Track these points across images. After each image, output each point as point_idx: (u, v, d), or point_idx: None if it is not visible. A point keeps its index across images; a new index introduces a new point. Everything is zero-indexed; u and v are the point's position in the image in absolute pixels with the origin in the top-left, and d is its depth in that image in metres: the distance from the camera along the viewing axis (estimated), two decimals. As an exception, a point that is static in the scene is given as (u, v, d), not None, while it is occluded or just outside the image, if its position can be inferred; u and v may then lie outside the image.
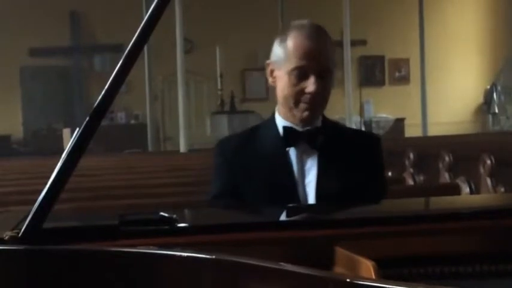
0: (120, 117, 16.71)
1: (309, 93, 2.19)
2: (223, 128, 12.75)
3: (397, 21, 16.84)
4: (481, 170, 5.75)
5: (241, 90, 16.53)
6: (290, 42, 2.21)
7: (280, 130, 2.29)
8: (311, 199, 2.24)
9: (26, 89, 16.43)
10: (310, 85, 2.18)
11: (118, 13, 15.43)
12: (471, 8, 17.87)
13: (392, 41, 17.03)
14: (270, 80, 2.30)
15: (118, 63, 1.63)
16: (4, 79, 15.81)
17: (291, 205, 1.95)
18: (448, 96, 17.16)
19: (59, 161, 1.59)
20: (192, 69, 14.53)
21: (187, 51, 13.14)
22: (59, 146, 13.67)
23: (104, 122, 1.65)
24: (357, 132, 2.44)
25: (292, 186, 2.24)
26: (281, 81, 2.25)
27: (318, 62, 2.18)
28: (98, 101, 1.61)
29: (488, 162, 5.67)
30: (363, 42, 16.26)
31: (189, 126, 13.00)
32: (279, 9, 15.22)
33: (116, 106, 15.32)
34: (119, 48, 14.09)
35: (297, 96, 2.21)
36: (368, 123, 15.77)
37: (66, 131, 14.43)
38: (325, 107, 2.28)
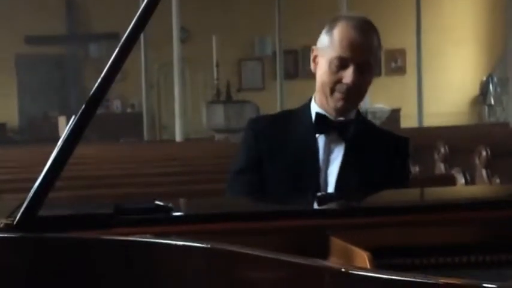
0: (116, 105, 16.71)
1: (346, 83, 2.21)
2: (219, 117, 12.73)
3: (393, 12, 16.83)
4: (477, 161, 5.76)
5: (238, 79, 16.52)
6: (336, 32, 2.23)
7: (314, 117, 2.30)
8: (331, 189, 2.26)
9: (22, 76, 16.41)
10: (347, 76, 2.20)
11: (114, 1, 15.40)
12: (468, -1, 17.87)
13: (388, 31, 16.96)
14: (312, 65, 2.32)
15: (114, 51, 1.63)
16: (0, 67, 15.78)
17: (294, 194, 1.97)
18: (444, 87, 17.17)
19: (54, 149, 1.58)
20: (188, 58, 14.52)
21: (183, 40, 13.13)
22: (54, 134, 13.68)
23: (100, 111, 1.64)
24: (387, 132, 2.46)
25: (315, 173, 2.26)
26: (321, 68, 2.27)
27: (359, 54, 2.20)
28: (93, 89, 1.60)
29: (484, 153, 5.67)
30: (360, 33, 16.23)
31: (185, 115, 12.99)
32: (275, -2, 15.20)
33: (111, 94, 15.31)
34: (115, 37, 14.07)
35: (334, 85, 2.23)
36: (364, 114, 15.74)
37: (61, 119, 14.44)
38: (361, 100, 2.30)
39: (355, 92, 2.24)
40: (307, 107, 2.35)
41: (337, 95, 2.23)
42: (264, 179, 2.27)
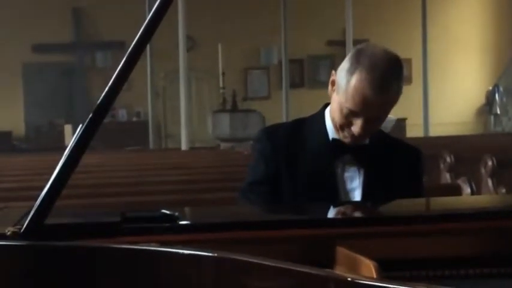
0: (122, 114, 16.73)
1: (354, 132, 2.17)
2: (225, 126, 12.74)
3: (399, 21, 16.84)
4: (482, 170, 5.75)
5: (243, 88, 16.52)
6: (354, 81, 2.10)
7: (329, 131, 2.26)
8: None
9: (28, 85, 16.45)
10: (356, 127, 2.15)
11: (120, 10, 15.44)
12: (474, 9, 17.86)
13: (394, 41, 16.95)
14: (329, 88, 2.23)
15: (120, 60, 1.63)
16: (6, 75, 15.83)
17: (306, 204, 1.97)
18: (450, 96, 17.15)
19: (60, 157, 1.59)
20: (194, 67, 14.53)
21: (189, 49, 13.14)
22: (60, 142, 13.71)
23: (105, 119, 1.65)
24: (402, 144, 2.43)
25: (334, 190, 2.24)
26: (335, 103, 2.20)
27: (371, 112, 2.13)
28: (100, 98, 1.61)
29: (490, 163, 5.66)
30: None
31: (191, 124, 13.00)
32: (281, 8, 15.21)
33: (117, 103, 15.30)
34: (121, 45, 14.12)
35: (343, 126, 2.19)
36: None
37: (67, 128, 14.47)
38: (370, 136, 2.26)
39: (362, 137, 2.21)
40: (321, 117, 2.31)
41: (345, 134, 2.20)
42: (281, 191, 2.24)
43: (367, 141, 2.28)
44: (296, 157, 2.27)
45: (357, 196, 2.25)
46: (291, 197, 2.23)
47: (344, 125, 2.18)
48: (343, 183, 2.26)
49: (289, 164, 2.26)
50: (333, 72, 2.22)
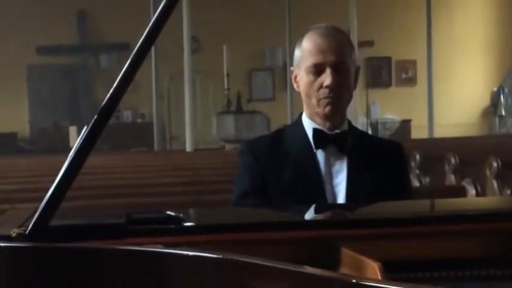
0: (127, 115, 16.76)
1: (327, 86, 2.23)
2: (230, 127, 12.75)
3: (404, 23, 16.83)
4: (487, 172, 5.74)
5: (248, 90, 16.53)
6: (305, 42, 2.28)
7: (309, 132, 2.32)
8: (340, 200, 2.27)
9: (33, 87, 16.49)
10: (326, 78, 2.23)
11: (125, 12, 15.47)
12: (478, 11, 17.85)
13: (399, 42, 17.01)
14: (295, 85, 2.35)
15: (125, 61, 1.64)
16: (11, 77, 15.88)
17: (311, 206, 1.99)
18: (455, 98, 17.14)
19: (65, 158, 1.59)
20: (198, 69, 14.55)
21: (194, 51, 13.16)
22: (65, 143, 13.73)
23: (110, 121, 1.65)
24: (381, 139, 2.54)
25: (320, 187, 2.27)
26: (302, 82, 2.30)
27: (332, 56, 2.23)
28: (105, 100, 1.61)
29: (495, 164, 5.65)
30: (370, 43, 16.26)
31: (195, 125, 13.01)
32: (286, 9, 15.22)
33: (122, 105, 15.33)
34: (126, 47, 14.13)
35: (317, 93, 2.26)
36: (374, 125, 15.75)
37: (72, 129, 14.48)
38: (348, 101, 2.32)
39: (339, 93, 2.25)
40: (299, 123, 2.37)
41: (323, 101, 2.26)
42: (269, 201, 2.27)
43: (346, 126, 2.32)
44: (280, 163, 2.31)
45: (342, 190, 2.28)
46: (279, 203, 2.25)
47: (317, 89, 2.25)
48: (329, 178, 2.29)
49: (273, 170, 2.30)
50: (291, 69, 2.36)
